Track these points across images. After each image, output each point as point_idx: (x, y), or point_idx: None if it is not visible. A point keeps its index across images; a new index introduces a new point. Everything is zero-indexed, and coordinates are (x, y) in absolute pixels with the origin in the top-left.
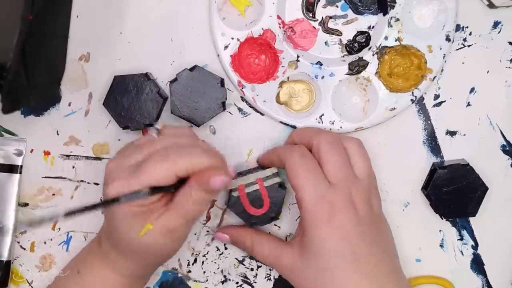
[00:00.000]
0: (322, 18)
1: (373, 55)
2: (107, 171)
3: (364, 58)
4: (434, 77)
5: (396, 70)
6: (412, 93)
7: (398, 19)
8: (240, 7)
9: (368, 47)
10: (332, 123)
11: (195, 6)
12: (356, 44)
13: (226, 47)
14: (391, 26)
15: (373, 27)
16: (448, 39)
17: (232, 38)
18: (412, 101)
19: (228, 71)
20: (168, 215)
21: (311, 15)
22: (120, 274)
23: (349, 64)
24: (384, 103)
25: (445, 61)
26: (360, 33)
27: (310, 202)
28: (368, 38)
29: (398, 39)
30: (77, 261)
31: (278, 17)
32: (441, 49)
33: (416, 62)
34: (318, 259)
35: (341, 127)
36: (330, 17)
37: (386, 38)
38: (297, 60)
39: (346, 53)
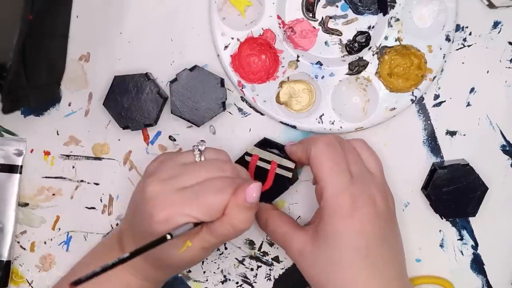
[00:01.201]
0: (322, 18)
1: (373, 55)
2: (151, 195)
3: (364, 58)
4: (434, 77)
5: (396, 70)
6: (412, 93)
7: (398, 19)
8: (240, 7)
9: (368, 47)
10: (332, 123)
11: (195, 6)
12: (356, 44)
13: (226, 47)
14: (391, 26)
15: (373, 27)
16: (448, 39)
17: (232, 38)
18: (412, 101)
19: (228, 71)
20: (207, 236)
21: (311, 15)
22: (144, 279)
23: (349, 64)
24: (384, 103)
25: (445, 61)
26: (360, 33)
27: (332, 194)
28: (368, 38)
29: (398, 39)
30: (92, 259)
31: (278, 17)
32: (441, 49)
33: (416, 62)
34: (332, 250)
35: (341, 127)
36: (330, 17)
37: (386, 38)
38: (297, 60)
39: (346, 53)
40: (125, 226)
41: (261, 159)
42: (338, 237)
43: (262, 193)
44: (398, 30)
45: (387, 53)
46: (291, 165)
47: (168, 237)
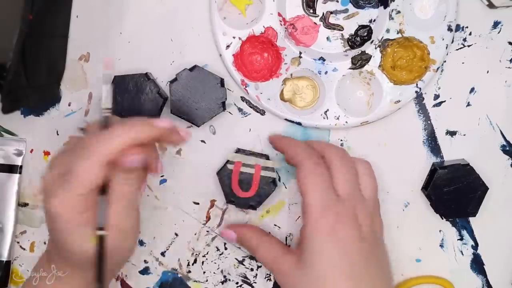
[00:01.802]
0: (323, 13)
1: (375, 48)
2: (43, 185)
3: (366, 52)
4: (438, 68)
5: (399, 62)
6: (416, 84)
7: (399, 11)
8: (241, 6)
9: (370, 40)
10: (337, 118)
11: (195, 6)
12: (358, 38)
13: (228, 46)
14: (392, 18)
15: (374, 20)
16: (450, 29)
17: (234, 37)
18: (417, 92)
19: (231, 71)
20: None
21: (311, 11)
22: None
23: (352, 58)
24: (389, 96)
25: (449, 52)
26: (362, 27)
27: (316, 210)
28: (370, 32)
29: (400, 31)
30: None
31: (279, 15)
32: (443, 39)
33: (419, 53)
34: (315, 270)
35: (346, 122)
36: (331, 12)
37: (387, 31)
38: (300, 57)
39: (349, 47)
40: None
41: (244, 165)
42: (321, 256)
43: (255, 199)
44: (400, 22)
45: (390, 46)
46: (276, 165)
47: (104, 232)
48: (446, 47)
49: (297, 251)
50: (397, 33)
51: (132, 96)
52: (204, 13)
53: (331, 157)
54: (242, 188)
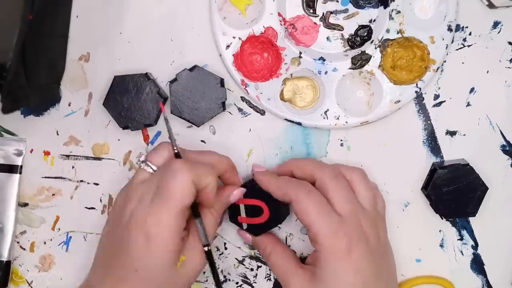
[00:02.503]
0: (323, 13)
1: (375, 48)
2: (133, 215)
3: (366, 52)
4: (438, 68)
5: (399, 62)
6: (416, 84)
7: (399, 11)
8: (241, 6)
9: (370, 40)
10: (337, 118)
11: (195, 6)
12: (358, 38)
13: (228, 46)
14: (392, 18)
15: (374, 20)
16: (450, 29)
17: (234, 37)
18: (417, 92)
19: (231, 71)
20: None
21: (311, 11)
22: None
23: (352, 58)
24: (389, 96)
25: (449, 52)
26: (362, 27)
27: (326, 237)
28: (370, 32)
29: (400, 31)
30: None
31: (279, 14)
32: (443, 39)
33: (419, 53)
34: None
35: (346, 122)
36: (331, 12)
37: (387, 31)
38: (300, 57)
39: (349, 47)
40: (96, 273)
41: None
42: (336, 277)
43: (261, 225)
44: (400, 22)
45: (390, 46)
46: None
47: (206, 248)
48: (446, 47)
49: (311, 268)
50: (397, 33)
51: (132, 96)
52: (204, 13)
53: (323, 178)
54: (254, 215)
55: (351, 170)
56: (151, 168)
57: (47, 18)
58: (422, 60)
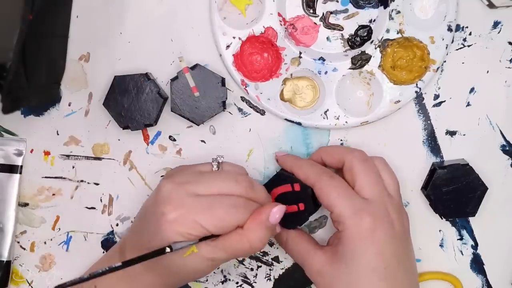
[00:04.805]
0: (323, 13)
1: (375, 48)
2: (164, 193)
3: (366, 52)
4: (438, 68)
5: (399, 62)
6: (416, 84)
7: (399, 12)
8: (241, 6)
9: (370, 40)
10: (337, 118)
11: (195, 6)
12: (358, 38)
13: (228, 46)
14: (392, 18)
15: (374, 20)
16: (450, 29)
17: (234, 37)
18: (417, 92)
19: (231, 71)
20: (215, 248)
21: (311, 11)
22: (140, 287)
23: (351, 58)
24: (389, 96)
25: (449, 52)
26: (362, 27)
27: (349, 217)
28: (370, 32)
29: (400, 32)
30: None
31: (279, 15)
32: (443, 39)
33: (419, 53)
34: (351, 271)
35: (346, 122)
36: (331, 12)
37: (387, 31)
38: (300, 57)
39: (349, 47)
40: (129, 235)
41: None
42: (357, 259)
43: (290, 217)
44: (400, 22)
45: (390, 46)
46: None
47: (167, 250)
48: (446, 47)
49: (330, 250)
50: (397, 33)
51: (132, 96)
52: (204, 13)
53: (353, 162)
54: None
55: (374, 158)
56: (217, 168)
57: (47, 18)
58: (422, 60)
